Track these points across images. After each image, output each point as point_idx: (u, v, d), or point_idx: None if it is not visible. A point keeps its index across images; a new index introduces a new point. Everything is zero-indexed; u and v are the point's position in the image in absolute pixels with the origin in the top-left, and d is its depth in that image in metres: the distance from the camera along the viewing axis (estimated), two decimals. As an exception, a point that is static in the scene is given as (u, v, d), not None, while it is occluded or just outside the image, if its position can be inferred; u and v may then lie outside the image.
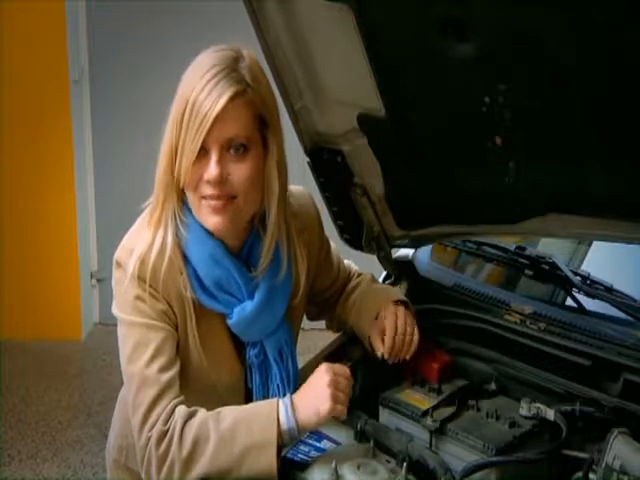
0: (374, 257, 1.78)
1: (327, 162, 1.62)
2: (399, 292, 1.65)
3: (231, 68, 1.28)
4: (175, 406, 1.30)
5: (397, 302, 1.55)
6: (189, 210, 1.36)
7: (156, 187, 1.36)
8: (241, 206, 1.32)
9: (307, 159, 1.64)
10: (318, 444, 1.39)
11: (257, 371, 1.44)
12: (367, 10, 1.28)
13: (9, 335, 3.94)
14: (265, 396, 1.42)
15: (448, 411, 1.42)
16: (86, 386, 3.69)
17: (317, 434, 1.41)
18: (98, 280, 4.26)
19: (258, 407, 1.33)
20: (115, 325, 1.39)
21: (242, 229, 1.38)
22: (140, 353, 1.33)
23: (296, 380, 1.44)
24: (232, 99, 1.26)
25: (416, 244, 1.81)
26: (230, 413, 1.30)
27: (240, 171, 1.30)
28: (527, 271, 1.77)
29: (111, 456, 1.59)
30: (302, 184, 1.57)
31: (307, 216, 1.53)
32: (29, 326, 4.04)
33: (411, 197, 1.62)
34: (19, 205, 4.02)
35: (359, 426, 1.39)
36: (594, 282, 1.69)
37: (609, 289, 1.67)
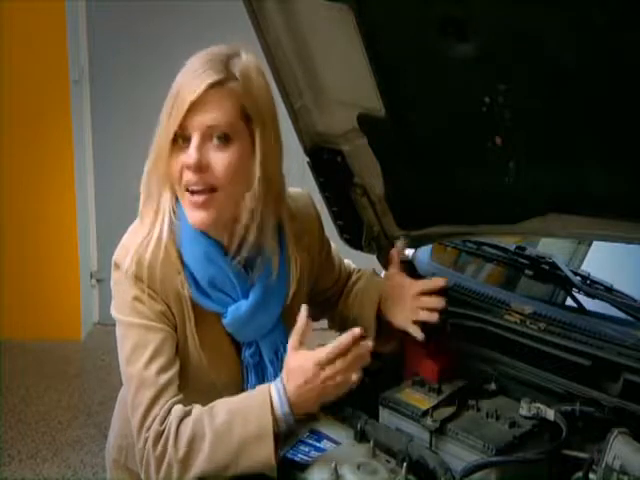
0: (374, 257, 1.78)
1: (327, 162, 1.62)
2: None
3: (220, 61, 1.29)
4: (172, 406, 1.30)
5: None
6: (182, 207, 1.35)
7: (148, 184, 1.36)
8: (222, 200, 1.31)
9: (307, 159, 1.64)
10: (318, 444, 1.39)
11: (253, 371, 1.44)
12: (367, 10, 1.28)
13: (9, 335, 3.94)
14: None
15: (448, 411, 1.42)
16: (86, 386, 3.70)
17: (317, 434, 1.41)
18: (98, 280, 4.26)
19: (250, 397, 1.32)
20: (115, 325, 1.39)
21: (230, 225, 1.37)
22: (139, 354, 1.33)
23: None
24: (212, 86, 1.26)
25: (416, 244, 1.81)
26: (223, 407, 1.30)
27: (221, 160, 1.29)
28: (527, 271, 1.77)
29: (111, 456, 1.59)
30: (302, 184, 1.57)
31: (307, 218, 1.53)
32: (29, 326, 4.04)
33: (411, 197, 1.62)
34: (19, 205, 4.02)
35: (359, 426, 1.39)
36: (594, 282, 1.69)
37: (609, 289, 1.67)
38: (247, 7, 1.39)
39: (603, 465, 1.21)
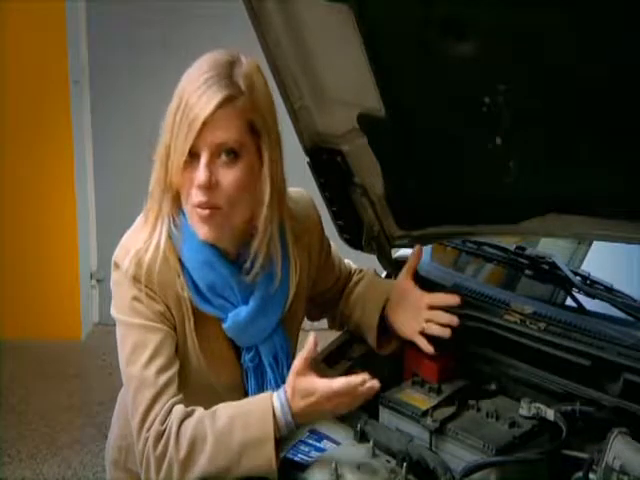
0: (374, 257, 1.78)
1: (327, 162, 1.62)
2: None
3: (225, 74, 1.28)
4: (172, 406, 1.30)
5: None
6: (185, 214, 1.35)
7: (153, 193, 1.35)
8: (229, 214, 1.31)
9: (307, 159, 1.64)
10: (318, 444, 1.39)
11: (252, 375, 1.44)
12: (367, 10, 1.28)
13: (9, 335, 3.94)
14: None
15: (448, 411, 1.42)
16: (86, 386, 3.69)
17: (317, 434, 1.41)
18: (98, 280, 4.25)
19: (253, 402, 1.33)
20: (115, 325, 1.39)
21: (238, 234, 1.38)
22: (138, 354, 1.33)
23: None
24: (221, 105, 1.25)
25: (416, 244, 1.81)
26: (225, 411, 1.30)
27: (229, 176, 1.29)
28: (527, 271, 1.76)
29: (111, 456, 1.59)
30: (302, 184, 1.57)
31: (306, 219, 1.53)
32: (29, 326, 4.04)
33: (411, 197, 1.62)
34: (19, 205, 4.02)
35: (359, 426, 1.39)
36: (594, 282, 1.69)
37: (609, 289, 1.67)
38: (247, 7, 1.39)
39: (603, 465, 1.21)
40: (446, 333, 1.48)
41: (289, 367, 1.44)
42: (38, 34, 3.86)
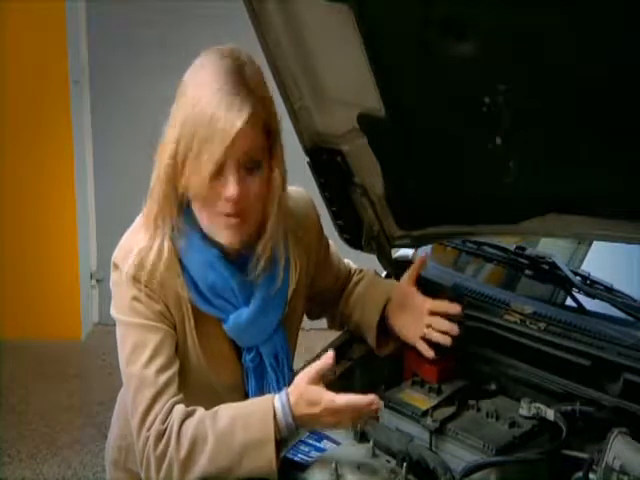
0: (374, 257, 1.78)
1: (327, 162, 1.62)
2: None
3: (240, 81, 1.27)
4: (173, 405, 1.30)
5: None
6: (187, 217, 1.35)
7: (154, 195, 1.34)
8: (250, 219, 1.33)
9: (307, 159, 1.64)
10: (318, 444, 1.39)
11: (253, 375, 1.44)
12: (367, 10, 1.28)
13: (9, 335, 3.93)
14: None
15: (448, 411, 1.42)
16: (86, 386, 3.69)
17: (317, 434, 1.41)
18: (98, 280, 4.25)
19: (254, 403, 1.33)
20: (115, 325, 1.39)
21: (257, 240, 1.38)
22: (138, 354, 1.33)
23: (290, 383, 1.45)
24: (248, 119, 1.25)
25: (416, 244, 1.81)
26: (227, 412, 1.30)
27: (255, 186, 1.31)
28: (527, 271, 1.76)
29: (110, 457, 1.59)
30: (302, 184, 1.57)
31: (305, 218, 1.53)
32: (29, 326, 4.04)
33: (411, 197, 1.62)
34: (19, 205, 4.02)
35: (359, 426, 1.39)
36: (594, 282, 1.69)
37: (609, 289, 1.67)
38: (247, 7, 1.39)
39: (603, 465, 1.21)
40: (447, 341, 1.48)
41: (290, 367, 1.45)
42: (38, 34, 3.86)
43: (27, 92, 3.92)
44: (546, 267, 1.74)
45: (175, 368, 1.34)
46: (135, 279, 1.34)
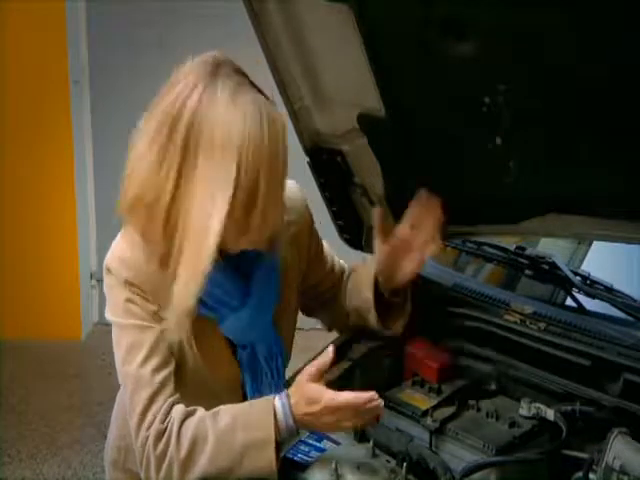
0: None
1: (327, 162, 1.62)
2: None
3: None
4: (172, 404, 1.30)
5: None
6: None
7: (134, 206, 1.31)
8: None
9: (307, 159, 1.64)
10: (318, 444, 1.39)
11: (248, 370, 1.43)
12: (367, 10, 1.28)
13: (9, 335, 3.94)
14: (258, 394, 1.42)
15: (448, 411, 1.42)
16: (86, 386, 3.70)
17: (317, 434, 1.41)
18: (98, 280, 4.25)
19: (254, 405, 1.33)
20: (114, 325, 1.39)
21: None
22: (134, 354, 1.33)
23: (283, 375, 1.46)
24: None
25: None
26: (227, 412, 1.30)
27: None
28: (527, 271, 1.76)
29: (110, 457, 1.59)
30: (302, 184, 1.56)
31: (295, 210, 1.51)
32: (29, 326, 4.04)
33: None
34: (19, 205, 4.02)
35: (359, 426, 1.39)
36: (594, 282, 1.69)
37: (609, 289, 1.67)
38: (247, 7, 1.39)
39: (603, 465, 1.21)
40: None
41: (282, 360, 1.45)
42: (38, 34, 3.86)
43: (27, 92, 3.92)
44: (546, 267, 1.74)
45: (171, 368, 1.34)
46: (128, 282, 1.33)
